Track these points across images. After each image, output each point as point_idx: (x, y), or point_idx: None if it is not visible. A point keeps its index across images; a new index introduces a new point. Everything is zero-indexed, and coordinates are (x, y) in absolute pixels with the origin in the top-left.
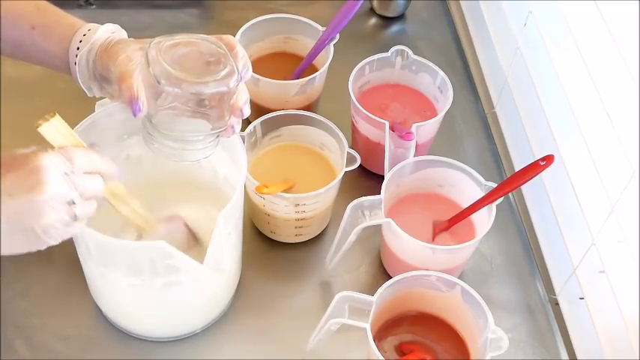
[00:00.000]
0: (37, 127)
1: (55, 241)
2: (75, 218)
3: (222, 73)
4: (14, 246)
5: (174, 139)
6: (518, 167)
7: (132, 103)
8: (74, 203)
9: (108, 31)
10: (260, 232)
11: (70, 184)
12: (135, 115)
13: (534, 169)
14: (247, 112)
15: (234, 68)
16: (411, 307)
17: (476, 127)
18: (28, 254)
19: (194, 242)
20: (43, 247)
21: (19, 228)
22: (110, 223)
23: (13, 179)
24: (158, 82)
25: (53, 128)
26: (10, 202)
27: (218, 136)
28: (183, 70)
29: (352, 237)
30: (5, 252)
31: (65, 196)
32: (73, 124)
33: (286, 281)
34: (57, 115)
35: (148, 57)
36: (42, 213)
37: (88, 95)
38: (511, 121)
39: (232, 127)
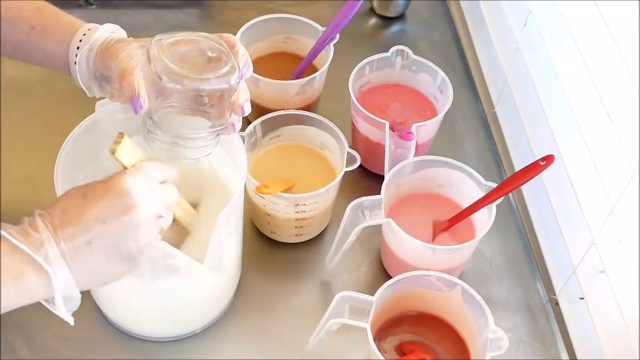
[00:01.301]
0: (113, 152)
1: (145, 260)
2: (161, 231)
3: (224, 70)
4: (110, 274)
5: (174, 137)
6: (518, 167)
7: (133, 100)
8: (162, 216)
9: (108, 31)
10: (260, 232)
11: (155, 198)
12: (136, 112)
13: (534, 169)
14: (248, 109)
15: (235, 66)
16: (411, 307)
17: (476, 127)
18: None
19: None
20: (135, 270)
21: (115, 254)
22: None
23: (103, 206)
24: (159, 79)
25: (124, 149)
26: (105, 229)
27: (219, 134)
28: (184, 67)
29: (352, 237)
30: (101, 283)
31: (156, 212)
32: (73, 124)
33: (286, 281)
34: (125, 136)
35: (149, 54)
36: (139, 234)
37: (88, 95)
38: (511, 121)
39: (233, 125)
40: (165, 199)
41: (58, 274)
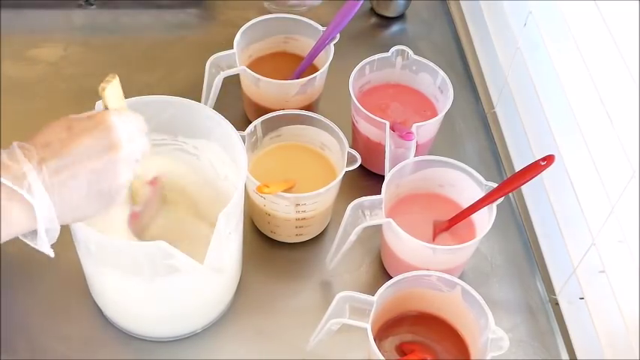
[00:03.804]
0: (103, 89)
1: (118, 204)
2: (134, 177)
3: None
4: (86, 211)
5: None
6: (518, 167)
7: None
8: (138, 160)
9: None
10: (260, 232)
11: (136, 141)
12: None
13: (534, 169)
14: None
15: None
16: (412, 307)
17: (476, 127)
18: (30, 254)
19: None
20: (107, 211)
21: (95, 190)
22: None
23: (89, 141)
24: None
25: (113, 90)
26: (90, 165)
27: None
28: None
29: (352, 237)
30: (75, 219)
31: (135, 155)
32: None
33: (286, 281)
34: (117, 77)
35: None
36: (119, 172)
37: None
38: (511, 121)
39: None
40: (142, 146)
41: (42, 206)
